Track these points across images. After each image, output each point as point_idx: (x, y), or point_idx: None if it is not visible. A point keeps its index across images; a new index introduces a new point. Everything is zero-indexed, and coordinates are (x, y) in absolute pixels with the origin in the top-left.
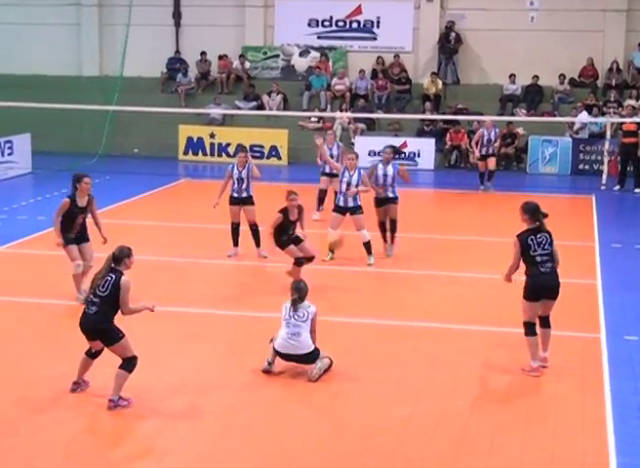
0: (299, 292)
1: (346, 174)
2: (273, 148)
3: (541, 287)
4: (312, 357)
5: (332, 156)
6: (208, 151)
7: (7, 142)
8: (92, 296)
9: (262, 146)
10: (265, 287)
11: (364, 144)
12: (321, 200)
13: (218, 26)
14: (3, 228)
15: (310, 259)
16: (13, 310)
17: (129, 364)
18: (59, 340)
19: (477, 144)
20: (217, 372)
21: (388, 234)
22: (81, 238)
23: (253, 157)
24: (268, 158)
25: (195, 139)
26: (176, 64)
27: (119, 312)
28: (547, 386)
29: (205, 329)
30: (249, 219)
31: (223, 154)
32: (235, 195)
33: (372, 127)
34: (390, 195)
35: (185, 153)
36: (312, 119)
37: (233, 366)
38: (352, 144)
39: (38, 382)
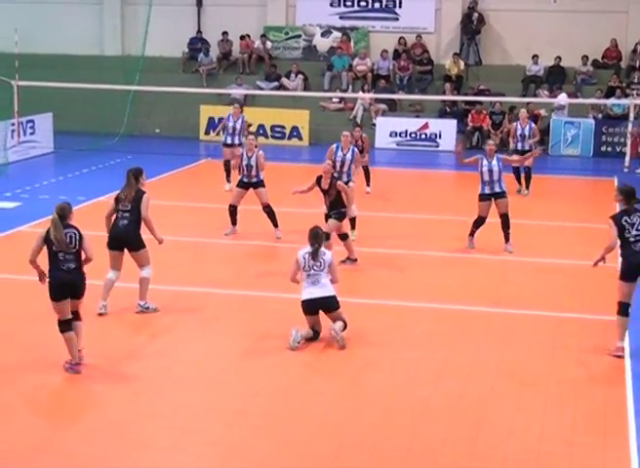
0: (318, 240)
1: (339, 153)
2: (294, 129)
3: (637, 266)
4: (336, 302)
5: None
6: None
7: (29, 122)
8: (65, 255)
9: (284, 127)
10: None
11: (385, 125)
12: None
13: (239, 6)
14: (25, 208)
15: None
16: (35, 289)
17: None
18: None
19: (513, 138)
20: (238, 351)
21: (502, 231)
22: None
23: (274, 137)
24: (289, 139)
25: (216, 120)
26: (197, 44)
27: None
28: (567, 371)
29: (226, 309)
30: (262, 202)
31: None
32: (245, 180)
33: (393, 107)
34: (498, 190)
35: (207, 133)
36: (334, 100)
37: (254, 345)
38: (373, 125)
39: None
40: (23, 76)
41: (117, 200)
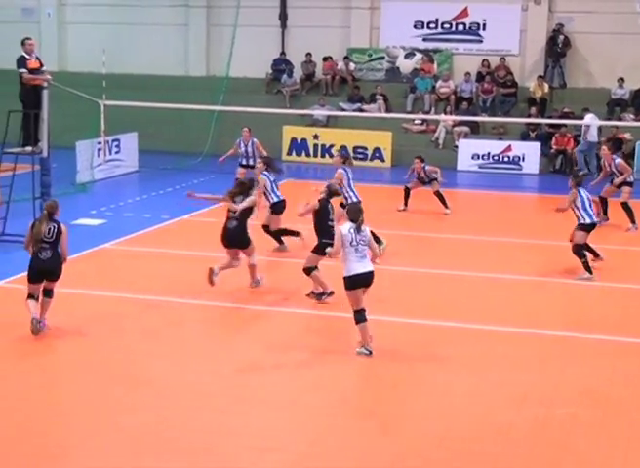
0: (361, 214)
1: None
2: (377, 150)
3: None
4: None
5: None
6: (311, 152)
7: (115, 141)
8: (42, 244)
9: (366, 148)
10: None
11: (467, 147)
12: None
13: (323, 28)
14: (109, 225)
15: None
16: (119, 306)
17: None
18: (164, 337)
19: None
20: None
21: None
22: None
23: (356, 159)
24: (371, 160)
25: (299, 140)
26: (281, 65)
27: None
28: None
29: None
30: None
31: (327, 155)
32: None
33: (476, 130)
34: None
35: (289, 154)
36: (416, 121)
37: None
38: (456, 147)
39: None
40: (110, 96)
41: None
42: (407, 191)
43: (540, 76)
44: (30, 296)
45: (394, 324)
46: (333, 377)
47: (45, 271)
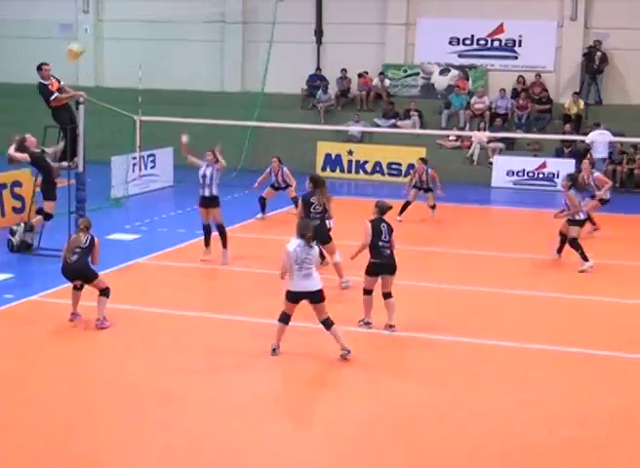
0: (309, 230)
1: None
2: (411, 167)
3: None
4: (322, 295)
5: None
6: (345, 168)
7: (150, 156)
8: (75, 250)
9: (400, 164)
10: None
11: (502, 164)
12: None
13: (358, 44)
14: (144, 240)
15: None
16: (153, 320)
17: (106, 292)
18: (196, 352)
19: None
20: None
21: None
22: None
23: (390, 175)
24: (405, 176)
25: (333, 156)
26: (316, 81)
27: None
28: None
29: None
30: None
31: (361, 171)
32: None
33: (510, 146)
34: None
35: (323, 169)
36: (451, 138)
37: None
38: (490, 164)
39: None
40: (146, 111)
41: None
42: (407, 204)
43: (575, 93)
44: (74, 287)
45: (441, 342)
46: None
47: (72, 272)
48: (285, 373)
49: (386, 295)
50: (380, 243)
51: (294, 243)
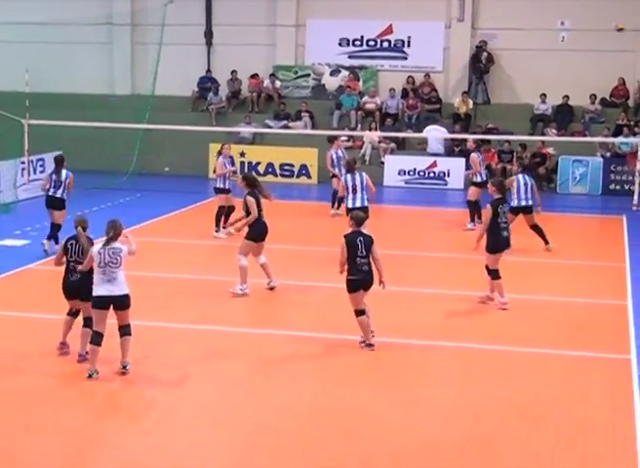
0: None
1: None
2: (303, 167)
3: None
4: (128, 301)
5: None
6: (238, 170)
7: (39, 160)
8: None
9: (292, 165)
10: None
11: (394, 163)
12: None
13: (249, 45)
14: (34, 246)
15: None
16: (44, 327)
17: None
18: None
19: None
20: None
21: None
22: None
23: (282, 176)
24: (298, 177)
25: None
26: (207, 83)
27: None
28: (576, 409)
29: (232, 346)
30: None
31: (253, 172)
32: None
33: (401, 146)
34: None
35: (215, 172)
36: (342, 138)
37: (262, 383)
38: (382, 163)
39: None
40: (34, 115)
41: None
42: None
43: (464, 92)
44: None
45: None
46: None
47: (71, 288)
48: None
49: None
50: (357, 259)
51: (98, 245)
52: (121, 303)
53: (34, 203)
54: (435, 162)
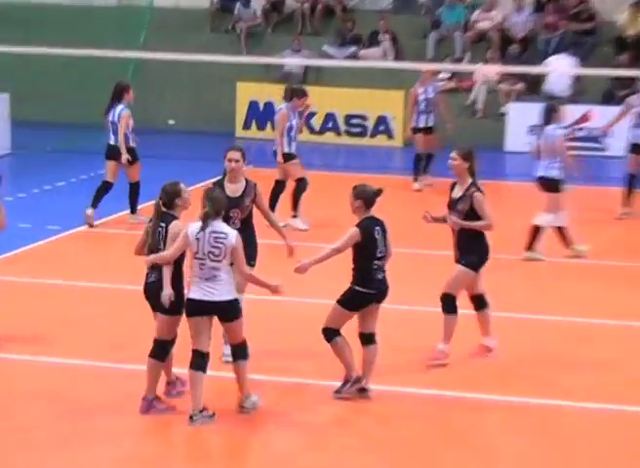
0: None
1: None
2: (381, 120)
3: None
4: (234, 310)
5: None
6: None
7: None
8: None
9: (365, 118)
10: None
11: (522, 115)
12: None
13: None
14: None
15: None
16: None
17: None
18: None
19: None
20: None
21: None
22: None
23: (349, 134)
24: (373, 136)
25: (262, 105)
26: None
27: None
28: None
29: None
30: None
31: (305, 129)
32: None
33: (533, 88)
34: None
35: (246, 127)
36: (442, 75)
37: None
38: (502, 115)
39: None
40: None
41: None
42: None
43: (635, 3)
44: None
45: None
46: None
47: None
48: None
49: (368, 338)
50: (375, 262)
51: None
52: (225, 312)
53: None
54: (588, 113)
